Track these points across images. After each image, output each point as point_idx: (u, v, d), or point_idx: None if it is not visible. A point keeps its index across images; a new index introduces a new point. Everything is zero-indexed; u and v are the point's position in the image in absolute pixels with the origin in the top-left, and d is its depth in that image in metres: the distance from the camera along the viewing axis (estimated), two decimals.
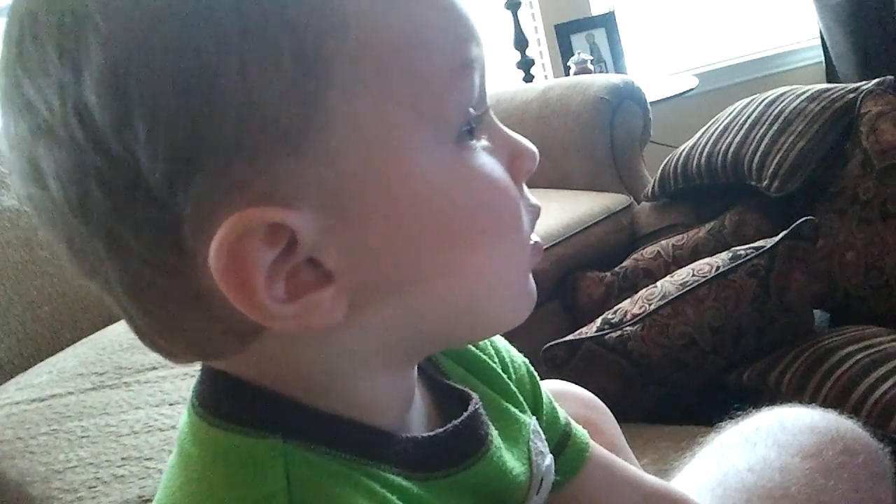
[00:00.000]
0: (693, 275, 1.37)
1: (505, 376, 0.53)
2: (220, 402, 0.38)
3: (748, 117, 1.63)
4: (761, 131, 1.58)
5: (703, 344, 1.31)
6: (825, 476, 0.64)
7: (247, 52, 0.30)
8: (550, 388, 0.73)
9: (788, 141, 1.52)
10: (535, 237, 0.42)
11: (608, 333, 1.36)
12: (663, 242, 1.67)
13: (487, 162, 0.38)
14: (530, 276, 0.43)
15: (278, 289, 0.33)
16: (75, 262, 0.35)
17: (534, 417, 0.54)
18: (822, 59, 2.91)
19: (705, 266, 1.37)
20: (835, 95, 1.53)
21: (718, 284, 1.32)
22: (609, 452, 0.60)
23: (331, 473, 0.37)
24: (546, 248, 1.67)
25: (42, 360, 1.30)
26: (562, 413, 0.59)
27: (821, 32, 2.84)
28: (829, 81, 2.79)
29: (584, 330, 1.41)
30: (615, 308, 1.43)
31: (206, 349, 0.37)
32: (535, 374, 0.58)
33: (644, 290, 1.43)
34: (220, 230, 0.31)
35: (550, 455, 0.52)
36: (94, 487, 0.93)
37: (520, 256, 0.41)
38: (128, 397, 1.11)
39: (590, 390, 0.76)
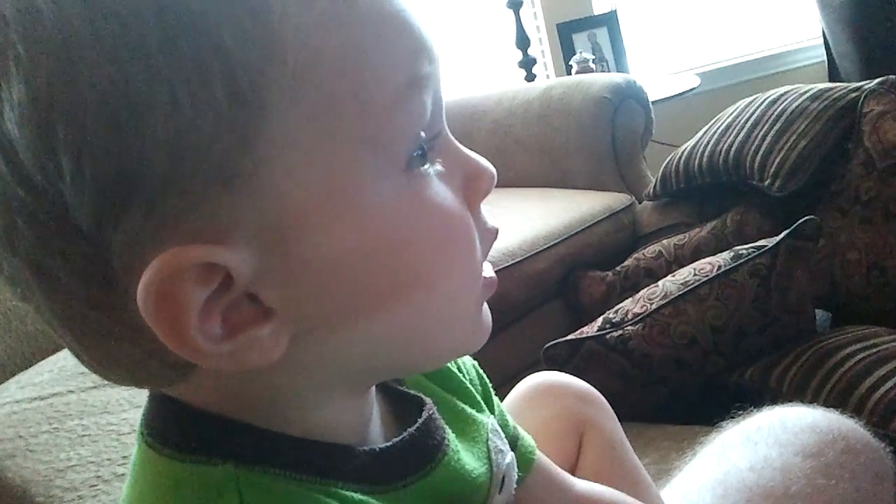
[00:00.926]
0: (694, 274, 1.36)
1: (460, 375, 0.52)
2: (169, 430, 0.37)
3: (750, 116, 1.63)
4: (763, 130, 1.58)
5: (705, 343, 1.31)
6: (826, 476, 0.64)
7: (177, 84, 0.28)
8: (547, 380, 0.73)
9: (790, 140, 1.52)
10: (489, 270, 0.41)
11: (609, 333, 1.36)
12: (665, 242, 1.67)
13: (440, 191, 0.36)
14: (484, 306, 0.41)
15: (213, 326, 0.31)
16: (9, 287, 0.33)
17: (492, 416, 0.53)
18: (825, 58, 2.90)
19: (707, 265, 1.37)
20: (837, 95, 1.53)
21: (720, 284, 1.32)
22: (547, 458, 0.59)
23: (286, 496, 0.36)
24: (547, 248, 1.67)
25: (43, 359, 1.30)
26: (510, 418, 0.58)
27: (823, 32, 2.83)
28: (831, 81, 2.78)
29: (585, 329, 1.41)
30: (616, 307, 1.43)
31: (144, 379, 0.35)
32: (485, 375, 0.57)
33: (645, 289, 1.43)
34: (147, 271, 0.30)
35: (511, 453, 0.51)
36: (96, 486, 0.93)
37: (471, 288, 0.39)
38: (129, 396, 1.11)
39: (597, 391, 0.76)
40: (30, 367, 1.29)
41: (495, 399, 0.57)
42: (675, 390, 1.34)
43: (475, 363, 0.57)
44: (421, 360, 0.41)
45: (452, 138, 0.39)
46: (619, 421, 0.74)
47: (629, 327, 1.35)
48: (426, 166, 0.36)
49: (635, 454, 0.72)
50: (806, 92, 1.58)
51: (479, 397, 0.53)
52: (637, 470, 0.70)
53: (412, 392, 0.47)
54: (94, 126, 0.28)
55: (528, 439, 0.58)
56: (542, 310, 1.72)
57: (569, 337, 1.40)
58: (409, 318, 0.36)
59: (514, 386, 0.75)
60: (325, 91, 0.31)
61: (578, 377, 0.74)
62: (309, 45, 0.31)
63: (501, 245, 1.61)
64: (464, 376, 0.53)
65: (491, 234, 0.41)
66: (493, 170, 0.41)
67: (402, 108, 0.34)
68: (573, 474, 0.67)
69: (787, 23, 3.20)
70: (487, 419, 0.51)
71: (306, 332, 0.34)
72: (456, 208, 0.37)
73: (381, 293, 0.35)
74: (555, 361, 1.38)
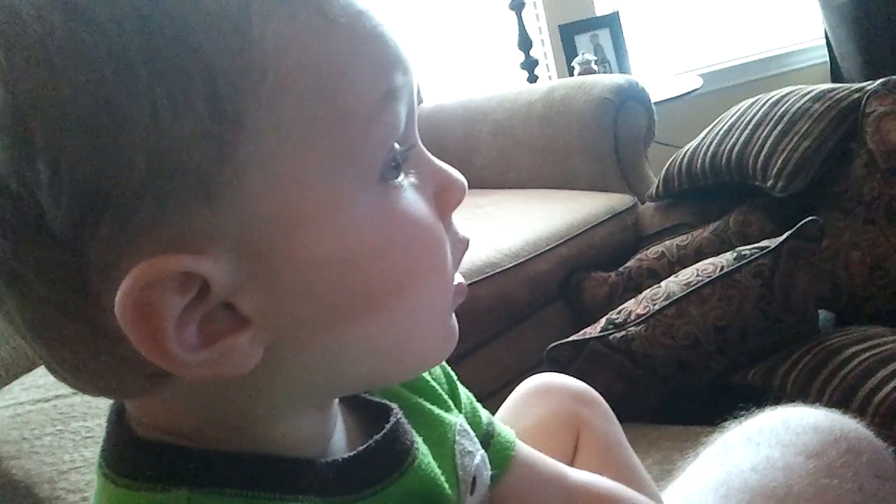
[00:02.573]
0: (697, 275, 1.36)
1: (427, 375, 0.53)
2: (124, 460, 0.37)
3: (753, 117, 1.63)
4: (766, 131, 1.58)
5: (708, 344, 1.31)
6: (829, 476, 0.64)
7: (158, 95, 0.29)
8: (543, 381, 0.73)
9: (793, 141, 1.52)
10: (459, 278, 0.41)
11: (612, 333, 1.36)
12: (667, 243, 1.67)
13: (413, 202, 0.37)
14: (453, 315, 0.42)
15: (189, 335, 0.32)
16: None
17: (461, 416, 0.53)
18: (827, 58, 2.90)
19: (710, 266, 1.37)
20: (839, 95, 1.53)
21: (723, 284, 1.32)
22: (535, 451, 0.59)
23: None
24: (550, 249, 1.67)
25: None
26: (484, 413, 0.58)
27: (826, 32, 2.83)
28: (833, 81, 2.78)
29: (588, 330, 1.41)
30: (619, 308, 1.43)
31: (115, 389, 0.35)
32: (451, 372, 0.57)
33: (648, 290, 1.43)
34: (126, 279, 0.30)
35: (481, 452, 0.51)
36: None
37: (442, 298, 0.39)
38: None
39: (596, 392, 0.76)
40: (34, 368, 1.29)
41: (465, 395, 0.57)
42: (678, 391, 1.34)
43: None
44: (394, 370, 0.41)
45: (425, 150, 0.40)
46: (622, 421, 0.74)
47: (632, 328, 1.35)
48: (400, 178, 0.37)
49: (636, 454, 0.72)
50: (808, 93, 1.58)
51: (445, 395, 0.53)
52: (634, 470, 0.70)
53: (377, 399, 0.47)
54: (72, 134, 0.28)
55: (505, 434, 0.58)
56: (544, 311, 1.72)
57: (572, 338, 1.40)
58: (382, 328, 0.36)
59: (516, 386, 0.75)
60: (303, 104, 0.32)
61: (581, 378, 0.74)
62: (288, 59, 0.31)
63: (504, 246, 1.61)
64: (429, 374, 0.53)
65: (462, 245, 0.41)
66: (464, 181, 0.41)
67: (379, 120, 0.34)
68: None
69: (790, 23, 3.20)
70: (456, 419, 0.51)
71: (282, 342, 0.34)
72: (429, 219, 0.38)
73: (356, 303, 0.35)
74: (558, 362, 1.38)
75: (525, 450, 0.58)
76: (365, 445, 0.42)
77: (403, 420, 0.45)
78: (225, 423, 0.37)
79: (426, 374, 0.52)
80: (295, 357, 0.35)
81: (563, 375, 0.74)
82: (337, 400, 0.44)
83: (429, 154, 0.40)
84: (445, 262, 0.39)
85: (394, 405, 0.46)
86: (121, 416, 0.39)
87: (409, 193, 0.37)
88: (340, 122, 0.33)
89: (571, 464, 0.69)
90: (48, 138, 0.29)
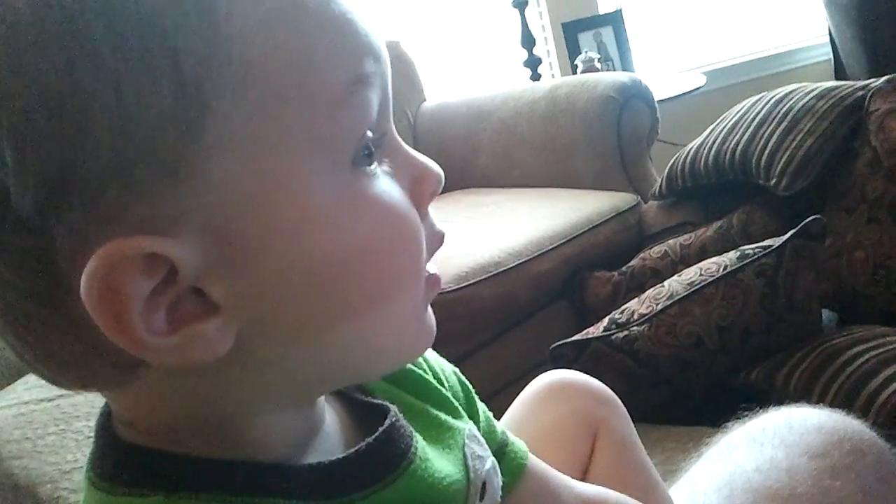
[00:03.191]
0: (700, 274, 1.36)
1: (436, 383, 0.52)
2: (105, 464, 0.37)
3: (756, 115, 1.63)
4: (769, 129, 1.57)
5: (711, 344, 1.30)
6: (832, 476, 0.64)
7: (123, 76, 0.29)
8: (562, 378, 0.73)
9: (797, 139, 1.51)
10: (433, 268, 0.41)
11: (615, 333, 1.36)
12: (671, 242, 1.67)
13: (386, 189, 0.37)
14: (428, 309, 0.41)
15: (157, 319, 0.31)
16: None
17: (470, 422, 0.52)
18: (831, 56, 2.90)
19: (713, 265, 1.37)
20: (843, 93, 1.52)
21: (726, 284, 1.32)
22: (543, 463, 0.59)
23: None
24: (553, 248, 1.67)
25: None
26: (497, 424, 0.58)
27: (829, 30, 2.82)
28: (837, 79, 2.77)
29: (591, 330, 1.41)
30: (622, 308, 1.43)
31: (88, 379, 0.35)
32: (467, 382, 0.57)
33: (651, 289, 1.43)
34: (91, 261, 0.29)
35: (492, 458, 0.50)
36: None
37: (416, 289, 0.39)
38: None
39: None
40: None
41: (480, 406, 0.57)
42: (681, 391, 1.34)
43: (456, 370, 0.57)
44: (369, 363, 0.40)
45: (400, 140, 0.40)
46: None
47: (635, 328, 1.35)
48: (373, 165, 0.36)
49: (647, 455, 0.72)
50: (812, 90, 1.57)
51: (457, 404, 0.52)
52: (649, 471, 0.70)
53: (377, 401, 0.46)
54: (37, 116, 0.28)
55: (518, 445, 0.57)
56: (547, 310, 1.72)
57: (575, 337, 1.40)
58: (353, 315, 0.36)
59: (520, 386, 0.74)
60: (270, 88, 0.32)
61: None
62: (255, 43, 0.31)
63: (507, 245, 1.61)
64: (440, 384, 0.52)
65: (438, 237, 0.41)
66: (440, 171, 0.41)
67: (348, 105, 0.34)
68: (585, 475, 0.66)
69: (794, 21, 3.20)
70: (465, 425, 0.50)
71: (253, 331, 0.34)
72: (403, 206, 0.37)
73: (325, 289, 0.35)
74: (561, 362, 1.38)
75: (536, 461, 0.58)
76: (356, 448, 0.41)
77: (402, 423, 0.45)
78: (200, 422, 0.37)
79: (435, 383, 0.52)
80: (267, 347, 0.35)
81: (579, 373, 0.73)
82: (322, 400, 0.43)
83: (404, 144, 0.40)
84: (419, 250, 0.38)
85: (392, 407, 0.45)
86: (107, 419, 0.39)
87: (382, 181, 0.37)
88: (308, 107, 0.33)
89: (588, 463, 0.69)
90: (12, 120, 0.28)
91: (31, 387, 1.18)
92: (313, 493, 0.38)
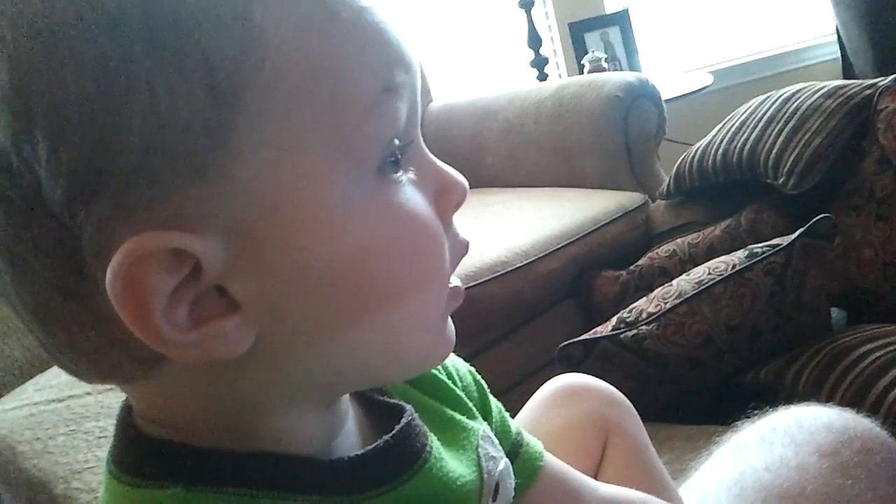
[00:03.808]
0: (709, 273, 1.36)
1: (450, 383, 0.52)
2: (126, 457, 0.37)
3: (764, 114, 1.63)
4: (777, 128, 1.57)
5: (720, 343, 1.30)
6: (842, 475, 0.64)
7: (156, 75, 0.29)
8: (573, 382, 0.73)
9: (805, 138, 1.51)
10: (455, 281, 0.41)
11: (624, 332, 1.36)
12: (679, 241, 1.67)
13: (411, 197, 0.37)
14: (448, 319, 0.42)
15: (180, 315, 0.32)
16: None
17: (484, 423, 0.52)
18: (839, 55, 2.89)
19: (721, 264, 1.36)
20: (851, 92, 1.52)
21: (734, 283, 1.31)
22: (563, 464, 0.59)
23: None
24: (560, 247, 1.67)
25: None
26: (513, 424, 0.58)
27: (837, 28, 2.81)
28: (845, 78, 2.76)
29: (599, 329, 1.41)
30: (630, 307, 1.42)
31: (109, 372, 0.35)
32: (482, 382, 0.57)
33: (659, 288, 1.42)
34: (117, 254, 0.30)
35: (505, 459, 0.50)
36: None
37: (438, 299, 0.39)
38: None
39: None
40: (47, 369, 1.30)
41: (495, 405, 0.57)
42: (690, 390, 1.34)
43: (472, 369, 0.57)
44: (389, 368, 0.41)
45: (427, 150, 0.40)
46: None
47: (643, 327, 1.35)
48: (399, 173, 0.37)
49: (658, 457, 0.72)
50: (820, 89, 1.57)
51: (471, 404, 0.53)
52: (661, 474, 0.70)
53: (393, 401, 0.47)
54: (72, 113, 0.29)
55: (534, 446, 0.57)
56: (555, 310, 1.72)
57: (583, 337, 1.40)
58: (375, 321, 0.36)
59: (528, 385, 0.75)
60: (300, 93, 0.32)
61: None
62: (287, 49, 0.31)
63: (514, 245, 1.61)
64: (455, 384, 0.53)
65: (462, 247, 0.41)
66: (466, 183, 0.41)
67: (376, 113, 0.34)
68: (596, 478, 0.66)
69: (801, 20, 3.19)
70: (479, 426, 0.51)
71: (274, 331, 0.34)
72: (426, 214, 0.38)
73: (348, 293, 0.35)
74: (569, 361, 1.38)
75: (554, 462, 0.58)
76: (373, 445, 0.42)
77: (417, 422, 0.45)
78: (220, 418, 0.37)
79: (450, 383, 0.52)
80: (287, 348, 0.35)
81: (589, 377, 0.74)
82: (348, 398, 0.44)
83: (431, 155, 0.40)
84: (442, 260, 0.38)
85: (408, 406, 0.46)
86: (127, 413, 0.39)
87: (407, 189, 0.37)
88: (337, 113, 0.33)
89: (599, 466, 0.69)
90: (48, 116, 0.29)
91: (42, 388, 1.19)
92: (331, 489, 0.39)
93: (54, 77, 0.29)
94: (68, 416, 1.09)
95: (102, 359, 0.34)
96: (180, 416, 0.37)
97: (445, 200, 0.40)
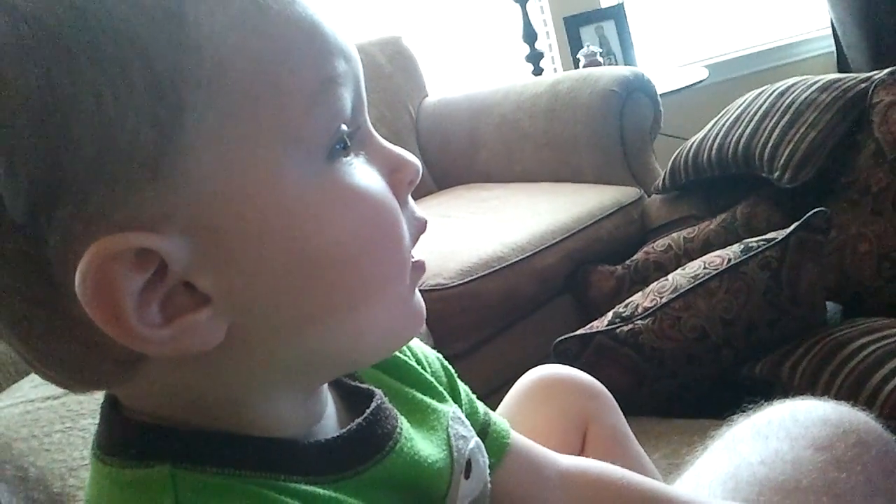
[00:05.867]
0: (704, 267, 1.36)
1: (419, 368, 0.54)
2: (112, 441, 0.38)
3: (759, 108, 1.63)
4: (772, 122, 1.57)
5: (715, 337, 1.31)
6: (838, 469, 0.64)
7: (100, 82, 0.30)
8: (549, 374, 0.74)
9: (800, 132, 1.51)
10: (417, 254, 0.42)
11: (619, 327, 1.36)
12: (674, 235, 1.67)
13: (363, 176, 0.38)
14: (416, 292, 0.43)
15: (151, 313, 0.33)
16: None
17: (454, 404, 0.54)
18: (834, 48, 2.89)
19: (717, 259, 1.37)
20: (846, 85, 1.52)
21: (730, 277, 1.32)
22: (528, 440, 0.61)
23: (221, 490, 0.37)
24: (556, 242, 1.67)
25: None
26: (481, 406, 0.60)
27: (832, 22, 2.81)
28: (840, 71, 2.77)
29: (595, 324, 1.41)
30: (626, 301, 1.43)
31: (89, 378, 0.36)
32: (450, 367, 0.59)
33: (655, 283, 1.43)
34: (83, 258, 0.31)
35: (476, 438, 0.52)
36: None
37: (399, 270, 0.40)
38: None
39: (601, 384, 0.76)
40: None
41: (462, 388, 0.59)
42: (686, 384, 1.34)
43: (439, 356, 0.59)
44: (362, 349, 0.42)
45: (376, 134, 0.41)
46: (629, 415, 0.74)
47: (639, 321, 1.35)
48: (350, 157, 0.38)
49: (642, 448, 0.72)
50: (815, 83, 1.57)
51: (441, 388, 0.54)
52: (641, 461, 0.71)
53: (364, 386, 0.48)
54: (22, 126, 0.30)
55: (501, 424, 0.59)
56: (551, 305, 1.72)
57: (579, 332, 1.40)
58: (340, 300, 0.37)
59: (519, 378, 0.75)
60: (242, 88, 0.33)
61: (589, 372, 0.74)
62: (224, 46, 0.33)
63: (510, 240, 1.61)
64: (424, 369, 0.54)
65: (420, 223, 0.42)
66: (417, 162, 0.42)
67: (320, 102, 0.36)
68: None
69: (796, 13, 3.19)
70: (448, 408, 0.52)
71: (245, 320, 0.35)
72: (380, 190, 0.39)
73: (311, 276, 0.36)
74: (565, 356, 1.38)
75: (520, 439, 0.60)
76: (347, 428, 0.43)
77: (387, 405, 0.47)
78: (205, 407, 0.38)
79: (419, 368, 0.54)
80: (258, 337, 0.36)
81: (566, 367, 0.75)
82: (326, 388, 0.45)
83: (380, 138, 0.41)
84: (400, 234, 0.39)
85: (377, 391, 0.47)
86: (112, 404, 0.40)
87: (359, 169, 0.38)
88: (281, 105, 0.34)
89: (580, 456, 0.69)
90: (1, 131, 0.30)
91: (38, 384, 1.19)
92: (314, 469, 0.40)
93: (2, 94, 0.30)
94: (64, 413, 1.09)
95: (83, 366, 0.35)
96: (165, 407, 0.38)
97: (398, 179, 0.41)
